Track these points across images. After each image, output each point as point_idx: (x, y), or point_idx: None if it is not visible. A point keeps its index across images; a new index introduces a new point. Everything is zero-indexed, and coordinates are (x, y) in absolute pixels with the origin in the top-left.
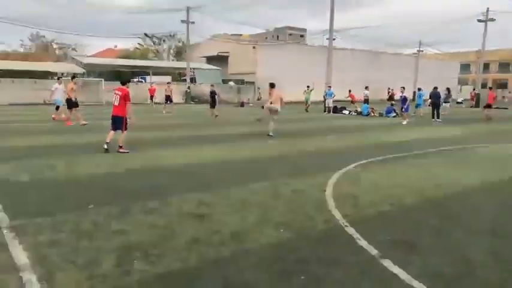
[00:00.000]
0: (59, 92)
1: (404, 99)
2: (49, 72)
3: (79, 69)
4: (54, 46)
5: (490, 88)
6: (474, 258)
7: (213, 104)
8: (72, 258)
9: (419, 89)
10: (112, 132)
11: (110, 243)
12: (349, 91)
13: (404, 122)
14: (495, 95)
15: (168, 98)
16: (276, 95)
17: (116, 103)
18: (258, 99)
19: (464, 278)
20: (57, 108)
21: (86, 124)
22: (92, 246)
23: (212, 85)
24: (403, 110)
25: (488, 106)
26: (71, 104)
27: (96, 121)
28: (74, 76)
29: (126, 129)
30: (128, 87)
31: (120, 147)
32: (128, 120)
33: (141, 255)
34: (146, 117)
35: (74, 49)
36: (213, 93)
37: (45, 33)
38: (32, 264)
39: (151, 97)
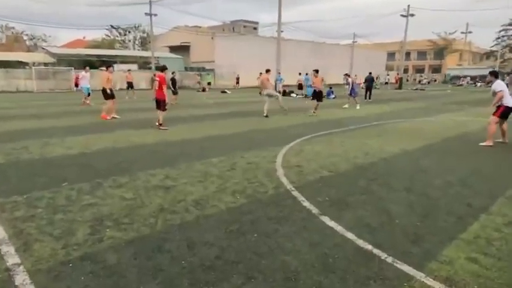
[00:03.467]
0: (85, 79)
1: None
2: (21, 62)
3: (50, 59)
4: (24, 37)
5: (317, 71)
6: (393, 210)
7: (174, 91)
8: (48, 230)
9: (306, 74)
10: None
11: (83, 215)
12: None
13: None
14: (321, 79)
15: (130, 85)
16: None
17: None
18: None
19: (386, 226)
20: (89, 94)
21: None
22: (66, 218)
23: (173, 72)
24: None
25: None
26: (108, 96)
27: (72, 107)
28: (109, 65)
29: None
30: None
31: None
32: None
33: (113, 224)
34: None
35: (44, 40)
36: (173, 80)
37: (15, 25)
38: (9, 237)
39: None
